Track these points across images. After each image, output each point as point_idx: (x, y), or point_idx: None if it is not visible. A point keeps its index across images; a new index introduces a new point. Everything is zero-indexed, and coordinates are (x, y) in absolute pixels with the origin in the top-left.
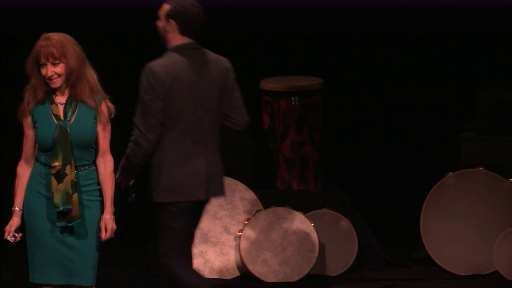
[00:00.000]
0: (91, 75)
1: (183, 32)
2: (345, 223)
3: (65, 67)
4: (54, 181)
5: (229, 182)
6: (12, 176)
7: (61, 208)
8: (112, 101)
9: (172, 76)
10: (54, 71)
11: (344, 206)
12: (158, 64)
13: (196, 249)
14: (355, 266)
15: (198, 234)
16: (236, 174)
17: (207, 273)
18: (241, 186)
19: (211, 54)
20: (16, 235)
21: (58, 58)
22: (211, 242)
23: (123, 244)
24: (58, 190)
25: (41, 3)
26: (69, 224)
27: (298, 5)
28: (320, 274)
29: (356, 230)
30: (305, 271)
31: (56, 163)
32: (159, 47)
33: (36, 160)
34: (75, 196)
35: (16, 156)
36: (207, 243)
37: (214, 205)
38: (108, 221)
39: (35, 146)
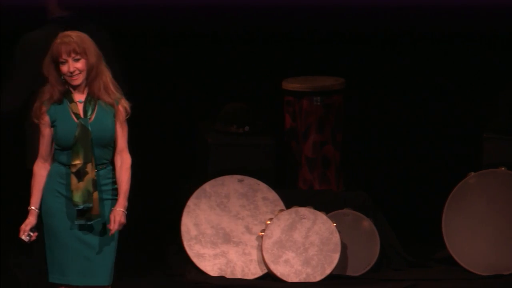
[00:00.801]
0: (107, 73)
1: (62, 4)
2: (367, 223)
3: (86, 63)
4: (74, 179)
5: (251, 182)
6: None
7: (81, 206)
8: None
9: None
10: (75, 67)
11: (366, 206)
12: (33, 34)
13: (218, 249)
14: (377, 266)
15: (220, 234)
16: (258, 174)
17: (229, 273)
18: (263, 186)
19: (89, 26)
20: (32, 234)
21: (79, 53)
22: (233, 242)
23: (143, 245)
24: (78, 188)
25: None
26: (88, 223)
27: (320, 5)
28: (342, 274)
29: (378, 230)
30: (327, 271)
31: (77, 161)
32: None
33: (54, 160)
34: (95, 194)
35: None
36: (229, 243)
37: (236, 205)
38: (117, 213)
39: (51, 145)
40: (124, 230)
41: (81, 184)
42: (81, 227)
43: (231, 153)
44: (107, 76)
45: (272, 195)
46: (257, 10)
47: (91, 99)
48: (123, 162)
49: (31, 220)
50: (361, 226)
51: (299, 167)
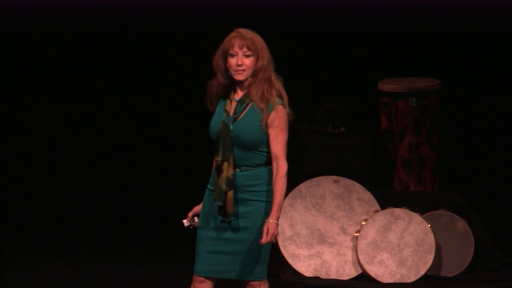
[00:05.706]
0: (275, 80)
1: None
2: (462, 224)
3: (254, 62)
4: (215, 175)
5: (346, 183)
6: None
7: (217, 203)
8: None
9: None
10: (244, 62)
11: (461, 207)
12: None
13: (314, 250)
14: (471, 267)
15: (315, 234)
16: (354, 175)
17: (324, 273)
18: (358, 187)
19: None
20: (196, 220)
21: (251, 50)
22: (328, 243)
23: None
24: (217, 185)
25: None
26: (226, 220)
27: (414, 6)
28: (436, 275)
29: (472, 231)
30: (422, 272)
31: (217, 158)
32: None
33: None
34: (230, 194)
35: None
36: (324, 243)
37: (331, 206)
38: (270, 225)
39: None
40: None
41: (218, 181)
42: (221, 224)
43: (327, 153)
44: (273, 83)
45: (368, 196)
46: (353, 11)
47: (245, 100)
48: (278, 170)
49: (197, 207)
50: (455, 227)
51: (394, 168)
